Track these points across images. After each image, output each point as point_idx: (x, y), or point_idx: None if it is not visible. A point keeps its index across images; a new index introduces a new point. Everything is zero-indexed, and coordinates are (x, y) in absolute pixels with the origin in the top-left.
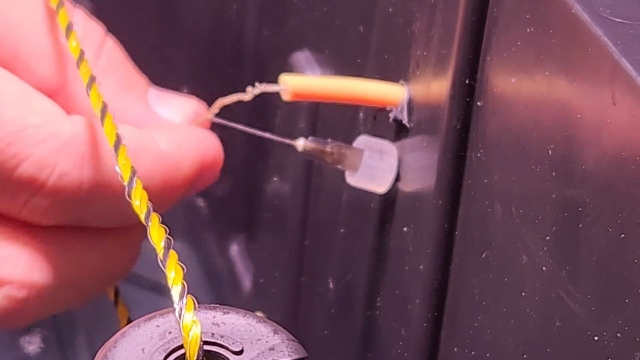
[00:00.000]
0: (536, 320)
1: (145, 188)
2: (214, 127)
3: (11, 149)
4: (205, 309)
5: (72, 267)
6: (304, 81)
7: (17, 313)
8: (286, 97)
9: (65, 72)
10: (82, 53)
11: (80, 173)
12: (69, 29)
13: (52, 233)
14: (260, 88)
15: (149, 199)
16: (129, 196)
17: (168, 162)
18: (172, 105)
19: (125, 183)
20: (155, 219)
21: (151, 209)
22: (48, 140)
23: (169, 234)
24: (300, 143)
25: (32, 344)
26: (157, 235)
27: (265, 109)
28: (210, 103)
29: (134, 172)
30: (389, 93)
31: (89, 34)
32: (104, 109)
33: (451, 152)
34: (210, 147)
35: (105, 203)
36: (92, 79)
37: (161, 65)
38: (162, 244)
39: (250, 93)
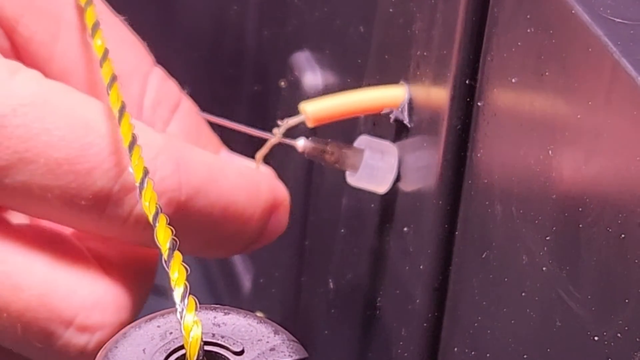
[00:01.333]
0: (536, 321)
1: (228, 206)
2: (215, 127)
3: (105, 164)
4: (206, 310)
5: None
6: (321, 105)
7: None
8: (310, 124)
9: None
10: (106, 52)
11: (178, 177)
12: (95, 27)
13: (130, 271)
14: (284, 125)
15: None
16: (140, 196)
17: (250, 179)
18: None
19: (137, 183)
20: (162, 220)
21: (160, 210)
22: (143, 150)
23: (174, 236)
24: (301, 143)
25: None
26: (163, 236)
27: (266, 109)
28: (210, 103)
29: (146, 173)
30: (390, 96)
31: (165, 95)
32: (122, 109)
33: (451, 152)
34: (280, 186)
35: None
36: (114, 79)
37: (161, 65)
38: (168, 245)
39: (277, 134)
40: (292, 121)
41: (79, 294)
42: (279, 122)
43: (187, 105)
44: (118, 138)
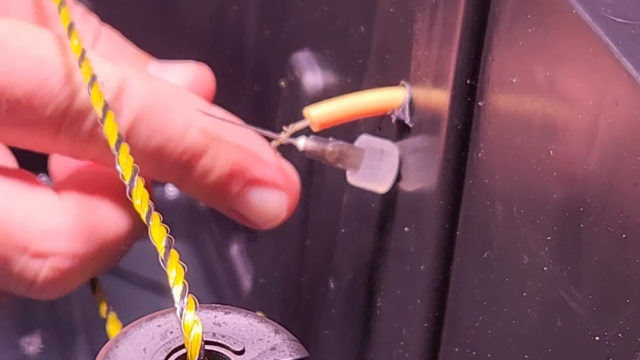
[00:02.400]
0: (537, 321)
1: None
2: None
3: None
4: (206, 309)
5: (107, 232)
6: (326, 109)
7: (60, 283)
8: (314, 129)
9: None
10: (83, 52)
11: (120, 101)
12: (70, 28)
13: (89, 200)
14: (290, 130)
15: None
16: (130, 195)
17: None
18: (173, 73)
19: (127, 182)
20: (156, 218)
21: (152, 208)
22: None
23: (169, 233)
24: (302, 142)
25: (32, 345)
26: (158, 234)
27: (266, 109)
28: (210, 102)
29: (135, 171)
30: (392, 97)
31: (85, 26)
32: (105, 108)
33: (452, 152)
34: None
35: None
36: (94, 78)
37: None
38: (163, 243)
39: (283, 137)
40: (297, 126)
41: (34, 221)
42: (284, 128)
43: (108, 31)
44: (71, 66)
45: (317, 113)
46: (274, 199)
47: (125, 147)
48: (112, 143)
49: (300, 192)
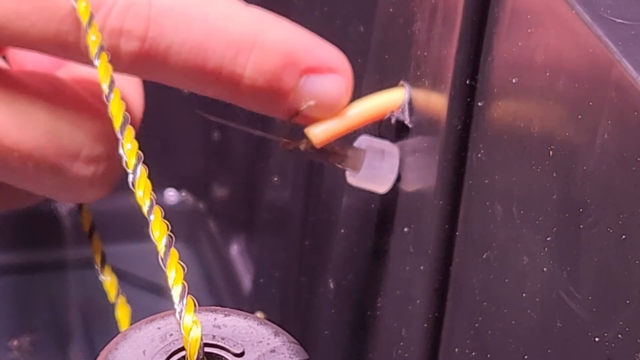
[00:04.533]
0: (537, 321)
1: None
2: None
3: None
4: (206, 311)
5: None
6: (325, 128)
7: (109, 181)
8: (317, 147)
9: None
10: (91, 16)
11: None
12: (90, 21)
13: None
14: (291, 146)
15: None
16: (133, 185)
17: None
18: None
19: (130, 171)
20: (158, 212)
21: (154, 202)
22: None
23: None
24: (302, 143)
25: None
26: (159, 230)
27: None
28: (210, 103)
29: (139, 159)
30: (391, 99)
31: None
32: (112, 84)
33: (452, 152)
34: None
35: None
36: (101, 48)
37: None
38: (163, 242)
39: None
40: (301, 146)
41: (82, 129)
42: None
43: None
44: None
45: (317, 133)
46: (332, 84)
47: (130, 130)
48: (117, 125)
49: (301, 193)
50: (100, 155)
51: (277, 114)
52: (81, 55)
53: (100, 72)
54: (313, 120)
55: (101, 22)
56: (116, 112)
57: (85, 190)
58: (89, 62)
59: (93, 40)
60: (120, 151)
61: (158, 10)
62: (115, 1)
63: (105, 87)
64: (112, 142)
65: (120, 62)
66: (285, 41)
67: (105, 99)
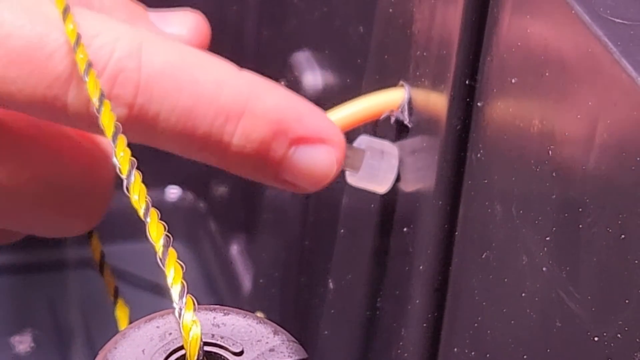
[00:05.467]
0: (536, 321)
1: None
2: None
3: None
4: (205, 310)
5: None
6: None
7: None
8: None
9: None
10: (78, 37)
11: (138, 58)
12: (65, 11)
13: None
14: None
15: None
16: (128, 190)
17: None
18: (174, 22)
19: (124, 176)
20: (154, 214)
21: (150, 204)
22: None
23: (167, 232)
24: None
25: (27, 345)
26: (155, 231)
27: None
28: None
29: (132, 165)
30: (391, 99)
31: None
32: (102, 97)
33: (451, 152)
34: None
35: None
36: (89, 65)
37: None
38: (161, 242)
39: None
40: None
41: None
42: None
43: None
44: (76, 24)
45: None
46: (322, 155)
47: (122, 139)
48: (109, 134)
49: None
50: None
51: (266, 181)
52: (69, 119)
53: (90, 86)
54: (303, 190)
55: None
56: (107, 123)
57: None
58: (77, 126)
59: (81, 58)
60: (114, 160)
61: (147, 76)
62: (105, 66)
63: (95, 100)
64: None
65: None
66: (275, 109)
67: (95, 111)
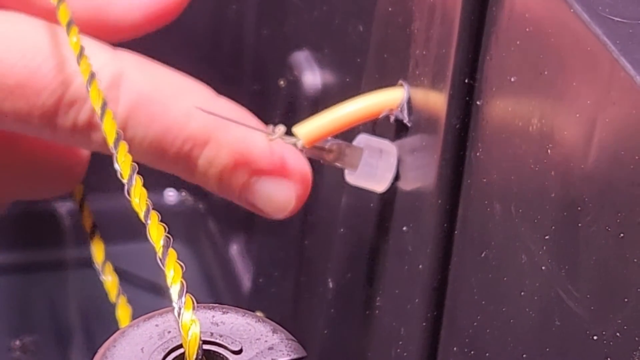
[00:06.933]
0: (535, 320)
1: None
2: None
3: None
4: (204, 309)
5: None
6: (314, 125)
7: None
8: (307, 145)
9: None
10: (82, 49)
11: (117, 90)
12: (69, 24)
13: None
14: (277, 134)
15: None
16: (129, 194)
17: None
18: None
19: (125, 180)
20: (154, 217)
21: (150, 207)
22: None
23: (167, 232)
24: (300, 141)
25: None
26: (156, 233)
27: (265, 108)
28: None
29: (134, 170)
30: (389, 99)
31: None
32: (104, 106)
33: (450, 151)
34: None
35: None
36: (92, 75)
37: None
38: (161, 243)
39: (272, 138)
40: (288, 140)
41: None
42: (274, 129)
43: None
44: (64, 56)
45: (306, 131)
46: (282, 189)
47: (123, 145)
48: (111, 141)
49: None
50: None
51: (231, 200)
52: (57, 138)
53: (92, 95)
54: (266, 215)
55: (73, 116)
56: (109, 130)
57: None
58: (69, 142)
59: (84, 69)
60: (115, 165)
61: (124, 109)
62: (86, 99)
63: (97, 108)
64: None
65: (90, 146)
66: (240, 141)
67: (98, 119)
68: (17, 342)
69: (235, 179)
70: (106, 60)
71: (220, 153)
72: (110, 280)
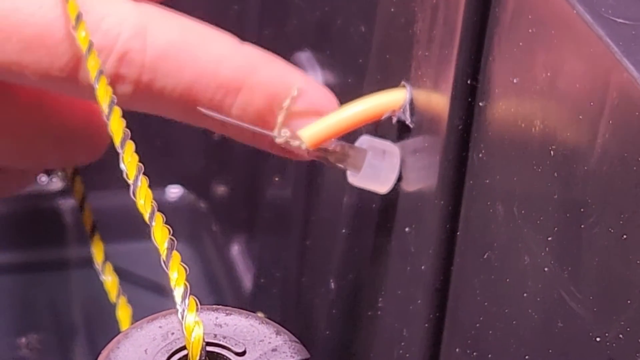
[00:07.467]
0: (538, 321)
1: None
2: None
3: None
4: (207, 310)
5: None
6: (317, 127)
7: None
8: (310, 148)
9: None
10: (90, 44)
11: (143, 38)
12: (78, 18)
13: None
14: (283, 138)
15: None
16: (134, 195)
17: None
18: None
19: (131, 181)
20: (159, 218)
21: (155, 209)
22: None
23: (171, 235)
24: (304, 143)
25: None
26: (160, 235)
27: None
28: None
29: (139, 170)
30: (391, 100)
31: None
32: (112, 103)
33: (453, 152)
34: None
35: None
36: (100, 72)
37: None
38: (165, 245)
39: (277, 141)
40: (291, 141)
41: None
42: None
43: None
44: (84, 8)
45: (309, 133)
46: None
47: (130, 145)
48: (117, 141)
49: (302, 192)
50: None
51: (263, 147)
52: (79, 93)
53: (100, 93)
54: (298, 157)
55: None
56: (116, 129)
57: None
58: (88, 96)
59: (92, 65)
60: (122, 165)
61: (152, 57)
62: (113, 47)
63: (105, 107)
64: None
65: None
66: (272, 83)
67: (105, 118)
68: (23, 340)
69: (269, 124)
70: (130, 10)
71: (254, 99)
72: (110, 281)
